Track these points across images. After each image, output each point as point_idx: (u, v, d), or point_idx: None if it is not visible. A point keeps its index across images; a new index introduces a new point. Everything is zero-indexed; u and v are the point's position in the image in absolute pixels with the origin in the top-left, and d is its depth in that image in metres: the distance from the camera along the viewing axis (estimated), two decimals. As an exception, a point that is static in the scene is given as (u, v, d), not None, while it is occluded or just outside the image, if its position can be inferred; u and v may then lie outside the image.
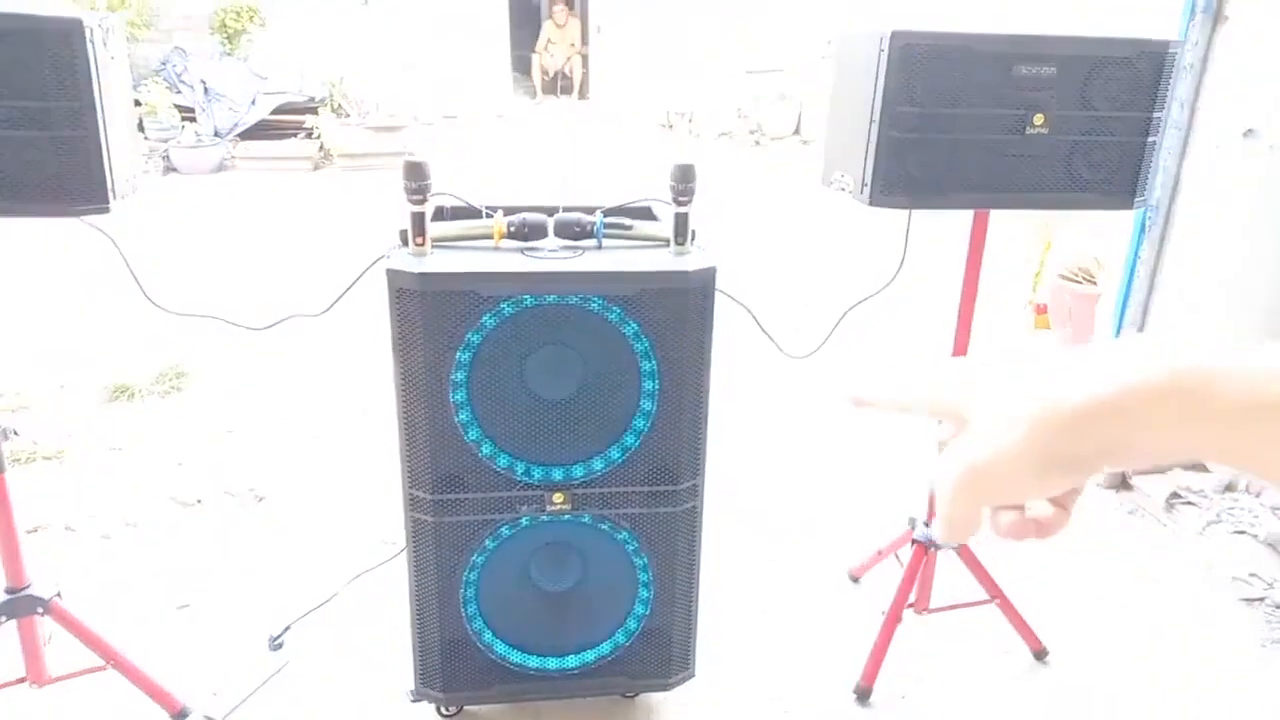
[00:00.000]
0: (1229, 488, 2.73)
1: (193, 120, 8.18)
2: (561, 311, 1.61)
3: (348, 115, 8.72)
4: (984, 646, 2.20)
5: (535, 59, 11.88)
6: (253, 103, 8.47)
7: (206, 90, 8.32)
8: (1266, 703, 2.03)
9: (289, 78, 8.68)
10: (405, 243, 1.64)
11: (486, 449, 1.67)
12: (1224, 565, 2.51)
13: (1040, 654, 2.16)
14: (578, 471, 1.72)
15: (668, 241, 1.71)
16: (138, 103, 8.04)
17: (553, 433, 1.69)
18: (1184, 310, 2.72)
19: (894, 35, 1.59)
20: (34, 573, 1.84)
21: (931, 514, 0.47)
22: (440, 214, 1.94)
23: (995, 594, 2.14)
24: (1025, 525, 0.48)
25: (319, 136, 8.25)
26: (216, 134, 8.28)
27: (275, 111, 8.48)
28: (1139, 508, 2.82)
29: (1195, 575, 2.50)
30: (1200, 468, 2.84)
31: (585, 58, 11.41)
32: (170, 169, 8.03)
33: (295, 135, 8.42)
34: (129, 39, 8.23)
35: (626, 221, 1.76)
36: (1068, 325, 3.26)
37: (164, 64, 8.58)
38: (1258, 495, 2.67)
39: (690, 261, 1.65)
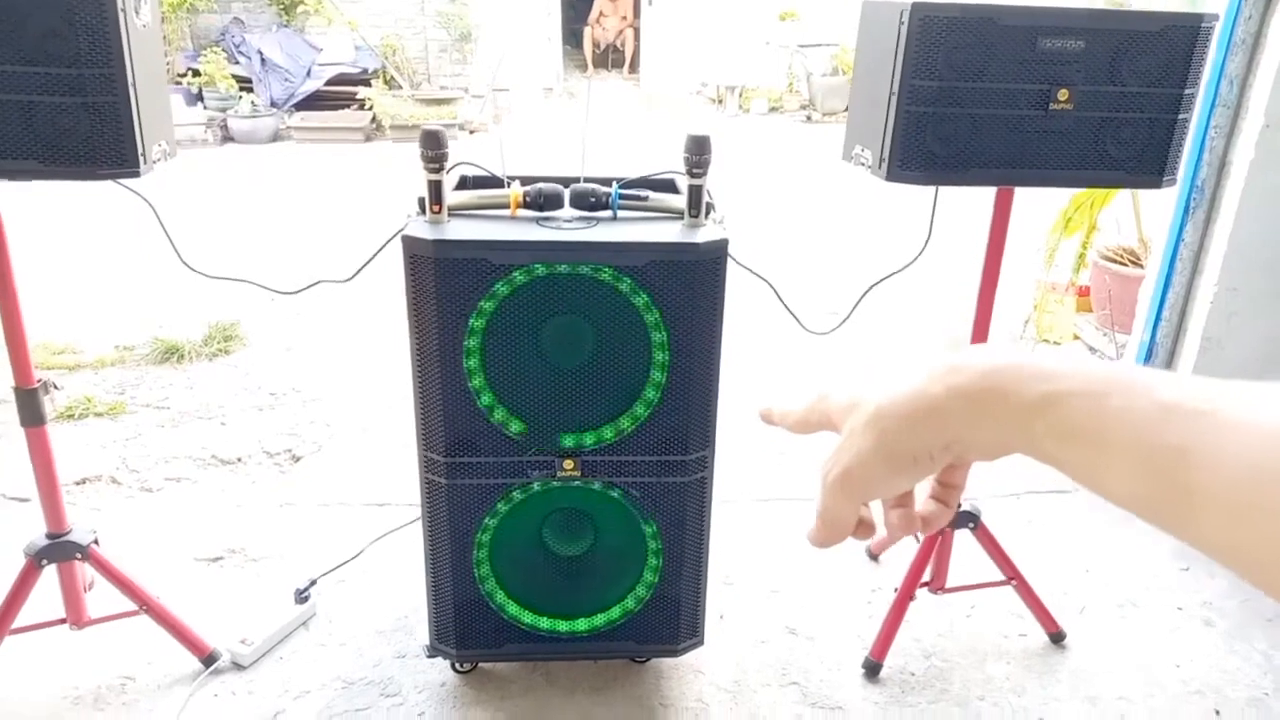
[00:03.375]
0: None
1: (250, 91, 8.34)
2: (573, 281, 1.63)
3: (400, 87, 8.81)
4: (999, 628, 2.19)
5: (587, 32, 11.84)
6: (308, 74, 8.61)
7: (264, 61, 8.47)
8: (1290, 696, 1.99)
9: (343, 49, 8.80)
10: (424, 210, 1.68)
11: (499, 414, 1.71)
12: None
13: (1057, 637, 2.14)
14: (588, 439, 1.75)
15: (683, 213, 1.72)
16: (197, 73, 8.24)
17: (564, 400, 1.71)
18: (1228, 295, 2.64)
19: (914, 7, 1.57)
20: (75, 520, 1.94)
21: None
22: (464, 183, 1.98)
23: (1013, 575, 2.12)
24: (910, 521, 0.54)
25: (371, 108, 8.36)
26: (273, 104, 8.44)
27: (330, 83, 8.61)
28: (1173, 495, 2.75)
29: (1226, 565, 2.44)
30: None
31: (637, 31, 11.34)
32: (228, 138, 8.22)
33: (348, 106, 8.54)
34: (189, 10, 8.42)
35: (642, 193, 1.77)
36: (1107, 308, 3.19)
37: (223, 35, 8.75)
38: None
39: (702, 234, 1.66)
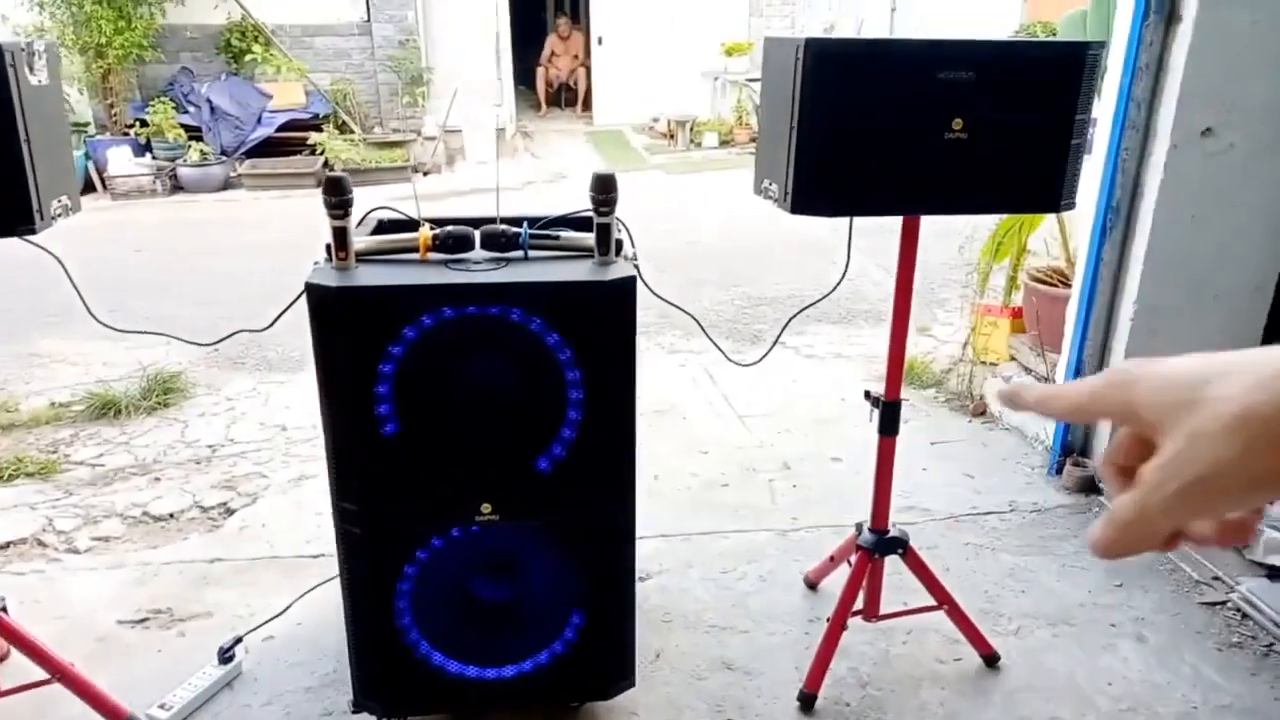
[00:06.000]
0: (1197, 491, 2.69)
1: (199, 139, 8.30)
2: (483, 323, 1.63)
3: (352, 131, 8.82)
4: (934, 652, 2.18)
5: (540, 72, 11.96)
6: (258, 121, 8.58)
7: (213, 110, 8.44)
8: (1223, 709, 2.00)
9: (294, 95, 8.80)
10: (331, 257, 1.67)
11: (414, 460, 1.69)
12: (1188, 568, 2.48)
13: (991, 659, 2.14)
14: (506, 482, 1.73)
15: (593, 251, 1.72)
16: (144, 123, 8.19)
17: (480, 443, 1.70)
18: (1148, 313, 2.69)
19: (807, 44, 1.60)
20: (-12, 586, 1.88)
21: (1109, 535, 0.42)
22: (381, 227, 1.98)
23: (944, 600, 2.12)
24: (1229, 531, 0.45)
25: (323, 153, 8.35)
26: (223, 152, 8.40)
27: (281, 129, 8.59)
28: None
29: (1159, 580, 2.47)
30: None
31: (589, 69, 11.47)
32: (178, 187, 8.16)
33: (300, 152, 8.52)
34: (136, 60, 8.37)
35: (553, 232, 1.78)
36: (1036, 328, 3.24)
37: (171, 84, 8.72)
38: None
39: (611, 271, 1.66)
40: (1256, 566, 2.40)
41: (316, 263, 1.68)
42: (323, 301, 1.58)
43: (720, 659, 2.17)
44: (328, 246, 1.67)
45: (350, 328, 1.60)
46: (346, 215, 1.64)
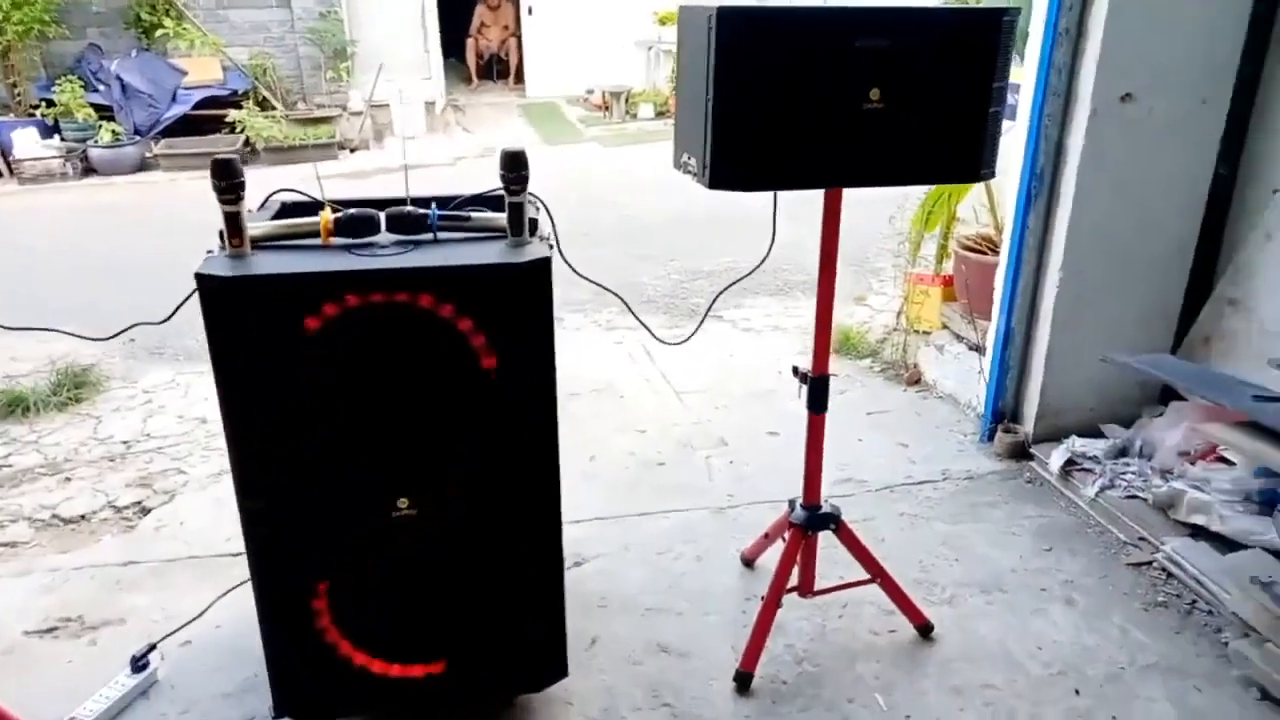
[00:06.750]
0: (1122, 451, 2.73)
1: (111, 119, 7.93)
2: (391, 310, 1.55)
3: (273, 108, 8.51)
4: (870, 625, 2.18)
5: (470, 43, 11.68)
6: (173, 99, 8.22)
7: (124, 88, 8.06)
8: (1149, 668, 2.04)
9: (210, 71, 8.44)
10: (225, 244, 1.57)
11: (323, 456, 1.61)
12: (1116, 530, 2.52)
13: (925, 629, 2.14)
14: (423, 475, 1.66)
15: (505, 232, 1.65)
16: (51, 103, 7.79)
17: (393, 436, 1.63)
18: (1075, 279, 2.71)
19: (719, 12, 1.54)
20: None
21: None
22: (284, 210, 1.87)
23: (877, 573, 2.12)
24: None
25: (243, 130, 8.04)
26: (137, 132, 8.04)
27: (197, 107, 8.25)
28: (1037, 476, 2.82)
29: (1086, 542, 2.50)
30: (1097, 432, 2.85)
31: (520, 40, 11.24)
32: (89, 170, 7.80)
33: (219, 130, 8.20)
34: (39, 37, 7.94)
35: (464, 212, 1.70)
36: (965, 296, 3.25)
37: (79, 62, 8.30)
38: (1149, 459, 2.68)
39: (523, 253, 1.60)
40: (1180, 526, 2.44)
41: (210, 251, 1.59)
42: (214, 292, 1.48)
43: (656, 642, 2.14)
44: (221, 233, 1.57)
45: (246, 319, 1.51)
46: (239, 199, 1.54)
